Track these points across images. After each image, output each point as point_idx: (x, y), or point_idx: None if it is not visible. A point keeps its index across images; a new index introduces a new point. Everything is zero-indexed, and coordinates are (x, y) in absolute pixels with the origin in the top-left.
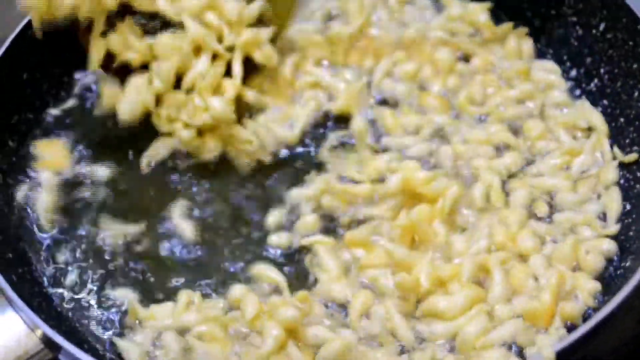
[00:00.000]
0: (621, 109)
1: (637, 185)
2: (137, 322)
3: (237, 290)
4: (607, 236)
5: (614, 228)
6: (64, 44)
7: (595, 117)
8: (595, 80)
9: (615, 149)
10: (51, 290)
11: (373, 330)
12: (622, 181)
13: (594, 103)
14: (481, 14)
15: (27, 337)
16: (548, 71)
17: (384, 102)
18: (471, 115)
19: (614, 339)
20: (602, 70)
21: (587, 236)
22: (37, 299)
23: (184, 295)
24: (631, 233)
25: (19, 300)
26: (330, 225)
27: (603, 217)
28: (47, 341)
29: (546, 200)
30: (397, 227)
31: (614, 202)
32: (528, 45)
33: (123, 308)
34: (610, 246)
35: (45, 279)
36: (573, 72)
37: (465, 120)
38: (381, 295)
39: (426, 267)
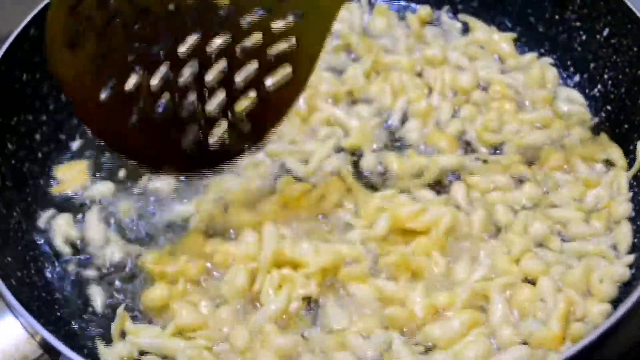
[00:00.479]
0: (625, 115)
1: None
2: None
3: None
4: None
5: (628, 258)
6: None
7: (615, 152)
8: (599, 86)
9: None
10: (50, 295)
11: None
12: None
13: (598, 109)
14: (504, 43)
15: (26, 342)
16: (571, 101)
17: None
18: (487, 144)
19: (619, 345)
20: (606, 76)
21: (599, 265)
22: (36, 303)
23: (173, 326)
24: None
25: (18, 304)
26: None
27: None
28: (46, 346)
29: (558, 230)
30: (390, 265)
31: (624, 236)
32: (553, 73)
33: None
34: (624, 271)
35: (44, 283)
36: (576, 78)
37: (474, 158)
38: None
39: (420, 297)
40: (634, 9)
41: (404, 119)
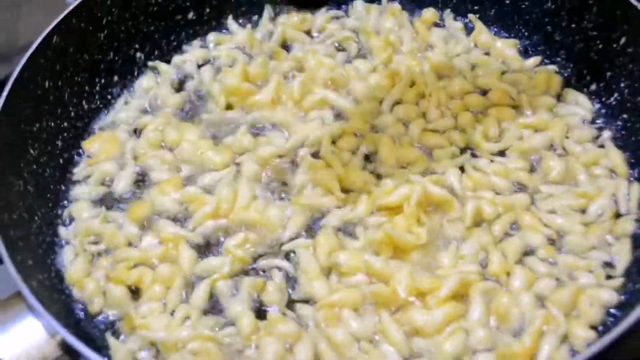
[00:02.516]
0: None
1: None
2: (131, 329)
3: (234, 307)
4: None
5: (617, 281)
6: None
7: (617, 159)
8: (616, 94)
9: None
10: (70, 297)
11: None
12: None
13: (614, 116)
14: (509, 48)
15: (47, 342)
16: (577, 104)
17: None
18: (486, 152)
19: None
20: (622, 85)
21: (587, 283)
22: (57, 305)
23: (181, 310)
24: None
25: (39, 305)
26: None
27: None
28: (66, 347)
29: (551, 235)
30: (374, 241)
31: (624, 253)
32: (557, 79)
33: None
34: (612, 297)
35: (64, 286)
36: (593, 86)
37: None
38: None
39: (405, 278)
40: None
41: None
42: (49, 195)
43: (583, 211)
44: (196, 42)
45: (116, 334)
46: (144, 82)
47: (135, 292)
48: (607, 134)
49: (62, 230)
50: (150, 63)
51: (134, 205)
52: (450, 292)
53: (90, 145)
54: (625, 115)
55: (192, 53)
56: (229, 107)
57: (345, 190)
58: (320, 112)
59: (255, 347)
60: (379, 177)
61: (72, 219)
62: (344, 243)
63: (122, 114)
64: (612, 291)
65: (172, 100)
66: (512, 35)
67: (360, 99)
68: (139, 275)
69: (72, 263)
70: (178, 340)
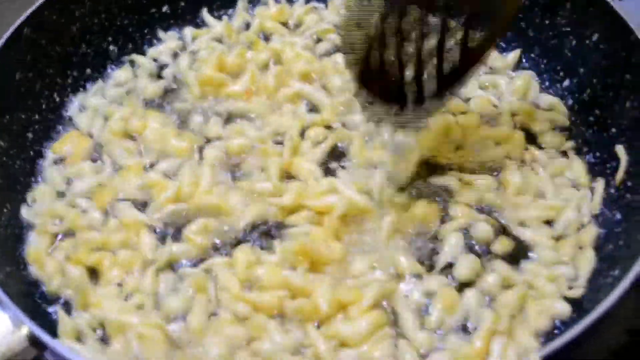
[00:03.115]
0: (613, 119)
1: (627, 195)
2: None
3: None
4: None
5: (578, 292)
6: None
7: (578, 168)
8: (588, 90)
9: (619, 147)
10: (38, 290)
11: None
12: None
13: (587, 113)
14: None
15: (13, 334)
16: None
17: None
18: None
19: (599, 349)
20: (594, 81)
21: (546, 291)
22: (24, 298)
23: (137, 297)
24: (620, 242)
25: (5, 297)
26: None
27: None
28: (32, 339)
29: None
30: (288, 252)
31: (586, 263)
32: (534, 83)
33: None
34: (564, 309)
35: (32, 279)
36: (566, 82)
37: None
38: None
39: (326, 292)
40: (622, 15)
41: None
42: (18, 187)
43: (548, 222)
44: (172, 34)
45: (69, 311)
46: (121, 74)
47: (94, 275)
48: (569, 144)
49: (24, 211)
50: (128, 57)
51: (98, 191)
52: (373, 301)
53: (59, 147)
54: (597, 111)
55: (168, 44)
56: (203, 96)
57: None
58: (294, 104)
59: (200, 345)
60: (333, 173)
61: (34, 202)
62: (262, 258)
63: (92, 100)
64: (564, 303)
65: (151, 89)
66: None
67: (335, 93)
68: (99, 258)
69: (32, 242)
70: (127, 324)
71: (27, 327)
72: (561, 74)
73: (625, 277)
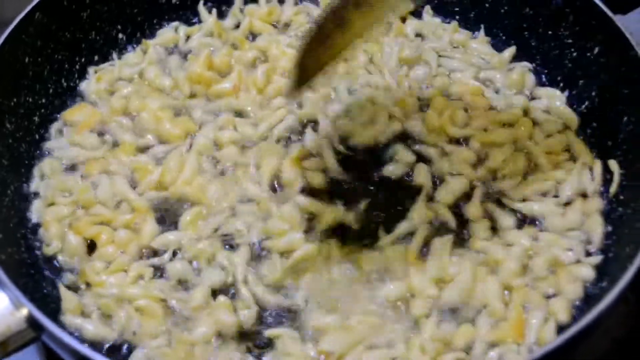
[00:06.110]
0: (610, 132)
1: (619, 209)
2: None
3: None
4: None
5: (595, 259)
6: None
7: (580, 147)
8: (587, 103)
9: (613, 162)
10: (39, 273)
11: None
12: (605, 203)
13: (584, 125)
14: (482, 45)
15: (12, 315)
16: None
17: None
18: (450, 136)
19: (586, 356)
20: (593, 93)
21: (568, 259)
22: (24, 279)
23: (135, 269)
24: (610, 255)
25: (5, 278)
26: None
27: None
28: (31, 321)
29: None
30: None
31: (597, 226)
32: (531, 77)
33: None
34: (589, 273)
35: (34, 261)
36: (565, 93)
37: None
38: None
39: None
40: (622, 29)
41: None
42: (22, 170)
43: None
44: (166, 29)
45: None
46: (133, 56)
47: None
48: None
49: (32, 184)
50: (136, 46)
51: (90, 162)
52: None
53: (70, 115)
54: (594, 124)
55: (163, 37)
56: (193, 95)
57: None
58: (282, 100)
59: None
60: None
61: (42, 176)
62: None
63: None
64: (588, 267)
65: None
66: (490, 39)
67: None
68: (98, 231)
69: (47, 207)
70: (128, 296)
71: (27, 308)
72: (561, 84)
73: (613, 288)
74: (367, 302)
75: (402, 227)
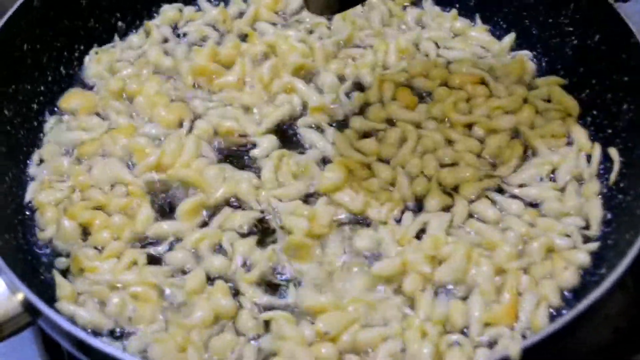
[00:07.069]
0: (610, 121)
1: (619, 196)
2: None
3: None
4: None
5: (592, 246)
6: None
7: (578, 131)
8: (587, 91)
9: (612, 150)
10: (36, 259)
11: None
12: (605, 191)
13: (584, 113)
14: (481, 34)
15: (8, 299)
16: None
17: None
18: (454, 123)
19: (587, 346)
20: (593, 81)
21: (564, 245)
22: (21, 264)
23: (129, 255)
24: (610, 242)
25: (2, 263)
26: None
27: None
28: (27, 305)
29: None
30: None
31: (595, 210)
32: (531, 65)
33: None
34: (585, 259)
35: (30, 247)
36: (566, 82)
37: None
38: None
39: None
40: (623, 16)
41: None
42: (20, 156)
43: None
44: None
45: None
46: (135, 39)
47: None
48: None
49: (30, 169)
50: (135, 33)
51: (84, 144)
52: None
53: (66, 103)
54: (594, 112)
55: (165, 16)
56: (196, 86)
57: None
58: (287, 96)
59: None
60: None
61: (42, 161)
62: None
63: (104, 56)
64: (585, 253)
65: (155, 57)
66: (490, 27)
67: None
68: (92, 216)
69: (42, 191)
70: (122, 282)
71: (23, 293)
72: (561, 72)
73: (610, 274)
74: (361, 281)
75: None
